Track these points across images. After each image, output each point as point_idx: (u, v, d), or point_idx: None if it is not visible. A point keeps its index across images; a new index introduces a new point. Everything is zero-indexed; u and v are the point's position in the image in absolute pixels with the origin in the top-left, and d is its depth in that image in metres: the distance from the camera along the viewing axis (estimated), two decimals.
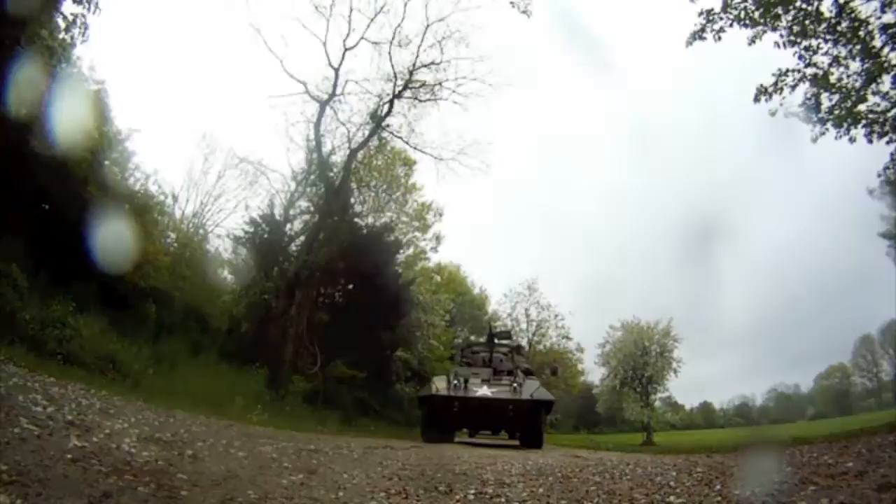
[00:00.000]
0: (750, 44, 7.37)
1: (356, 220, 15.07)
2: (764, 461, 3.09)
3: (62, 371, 4.88)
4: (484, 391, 8.54)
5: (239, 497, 1.82)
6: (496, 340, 11.71)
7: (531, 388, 8.61)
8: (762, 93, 7.54)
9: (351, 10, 12.80)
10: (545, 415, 9.18)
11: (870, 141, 7.46)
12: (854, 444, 3.21)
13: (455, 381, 8.64)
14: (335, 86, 13.19)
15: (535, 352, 25.95)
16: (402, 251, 17.88)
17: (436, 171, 13.87)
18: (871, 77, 7.06)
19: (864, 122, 7.38)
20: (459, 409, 8.42)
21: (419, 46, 13.05)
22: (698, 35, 7.40)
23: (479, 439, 11.71)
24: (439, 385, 8.68)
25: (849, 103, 7.31)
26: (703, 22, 7.31)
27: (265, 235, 13.44)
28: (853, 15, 6.80)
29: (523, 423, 8.81)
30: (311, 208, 14.56)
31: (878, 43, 6.81)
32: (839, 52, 7.14)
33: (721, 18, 7.26)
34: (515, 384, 8.63)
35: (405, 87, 13.40)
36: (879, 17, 6.68)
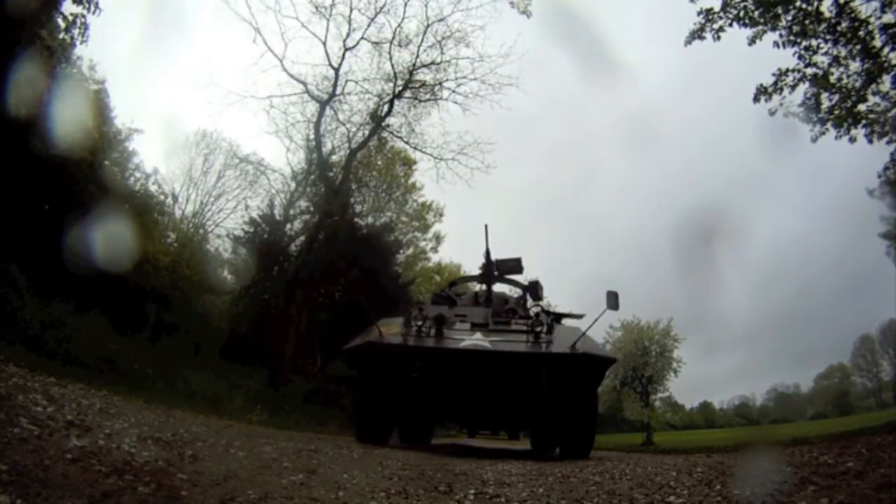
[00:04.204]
0: (750, 44, 7.39)
1: (356, 220, 15.09)
2: (764, 461, 3.09)
3: (62, 371, 4.87)
4: (476, 340, 4.62)
5: (239, 497, 1.82)
6: (496, 273, 7.13)
7: (569, 337, 4.64)
8: (762, 93, 7.56)
9: (351, 10, 12.80)
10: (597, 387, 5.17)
11: (870, 141, 7.48)
12: (854, 444, 3.21)
13: (419, 323, 4.71)
14: (335, 86, 13.18)
15: None
16: (402, 251, 17.91)
17: (436, 171, 13.84)
18: (871, 77, 7.07)
19: (864, 122, 7.39)
20: (425, 375, 4.52)
21: (419, 46, 13.04)
22: (697, 34, 7.41)
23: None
24: (387, 329, 4.73)
25: (849, 103, 7.32)
26: (703, 21, 7.32)
27: (265, 235, 13.46)
28: (853, 15, 6.81)
29: (557, 403, 4.56)
30: (311, 208, 14.57)
31: (878, 43, 6.82)
32: (839, 52, 7.16)
33: (721, 18, 7.28)
34: (538, 328, 4.67)
35: (405, 87, 13.39)
36: (879, 17, 6.70)
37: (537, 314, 5.35)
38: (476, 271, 7.32)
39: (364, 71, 13.64)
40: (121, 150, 13.17)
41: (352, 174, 14.55)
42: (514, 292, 7.90)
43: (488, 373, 4.63)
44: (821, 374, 38.66)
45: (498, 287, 7.23)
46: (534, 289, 7.14)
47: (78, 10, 7.16)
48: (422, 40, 12.96)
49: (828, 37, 7.07)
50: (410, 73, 13.25)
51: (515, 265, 7.27)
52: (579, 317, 6.02)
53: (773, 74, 7.47)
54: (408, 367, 4.60)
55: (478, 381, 4.66)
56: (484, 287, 7.03)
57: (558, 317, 5.89)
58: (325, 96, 13.25)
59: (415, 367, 4.59)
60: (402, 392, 4.74)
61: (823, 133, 7.52)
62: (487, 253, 6.98)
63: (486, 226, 6.84)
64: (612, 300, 4.74)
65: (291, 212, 14.86)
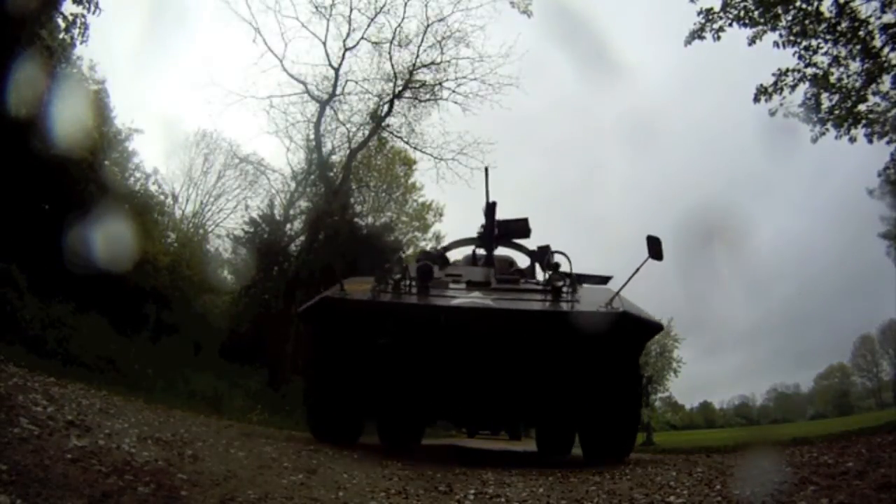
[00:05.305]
0: (750, 44, 7.41)
1: (356, 220, 15.10)
2: (764, 461, 3.09)
3: (62, 371, 4.88)
4: (473, 298, 3.55)
5: (239, 497, 1.82)
6: (497, 231, 5.42)
7: (599, 296, 3.58)
8: (762, 93, 7.57)
9: (351, 10, 12.85)
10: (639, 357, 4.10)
11: (870, 141, 7.50)
12: (854, 444, 3.21)
13: (397, 276, 3.56)
14: (335, 86, 13.23)
15: None
16: (402, 251, 17.90)
17: (436, 171, 13.87)
18: (871, 77, 7.08)
19: (864, 122, 7.40)
20: (401, 343, 3.37)
21: (419, 46, 13.09)
22: (697, 34, 7.42)
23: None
24: (355, 287, 3.62)
25: (849, 103, 7.33)
26: (703, 21, 7.34)
27: (265, 235, 13.46)
28: (853, 15, 6.82)
29: (589, 383, 3.45)
30: (312, 208, 14.59)
31: (878, 43, 6.83)
32: (839, 52, 7.17)
33: (721, 18, 7.29)
34: (559, 282, 3.64)
35: (405, 87, 13.42)
36: (879, 17, 6.71)
37: (556, 266, 3.89)
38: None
39: (364, 71, 13.70)
40: (121, 150, 13.17)
41: (352, 174, 14.58)
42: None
43: (490, 341, 3.28)
44: (821, 374, 38.75)
45: (500, 252, 5.78)
46: (543, 255, 5.11)
47: (78, 10, 7.20)
48: (422, 40, 13.00)
49: (828, 37, 7.08)
50: (410, 73, 13.27)
51: (522, 227, 5.71)
52: (605, 279, 4.49)
53: (773, 74, 7.50)
54: (371, 330, 3.37)
55: (474, 352, 3.31)
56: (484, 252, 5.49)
57: (579, 278, 4.18)
58: (325, 96, 13.28)
59: (384, 328, 3.34)
60: (369, 368, 3.43)
61: (824, 133, 7.54)
62: (489, 207, 5.26)
63: (486, 169, 5.40)
64: (655, 247, 3.50)
65: (291, 212, 14.88)
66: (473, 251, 5.72)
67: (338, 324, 3.58)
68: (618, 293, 3.50)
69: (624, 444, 3.71)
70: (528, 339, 3.32)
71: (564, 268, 3.86)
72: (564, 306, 3.48)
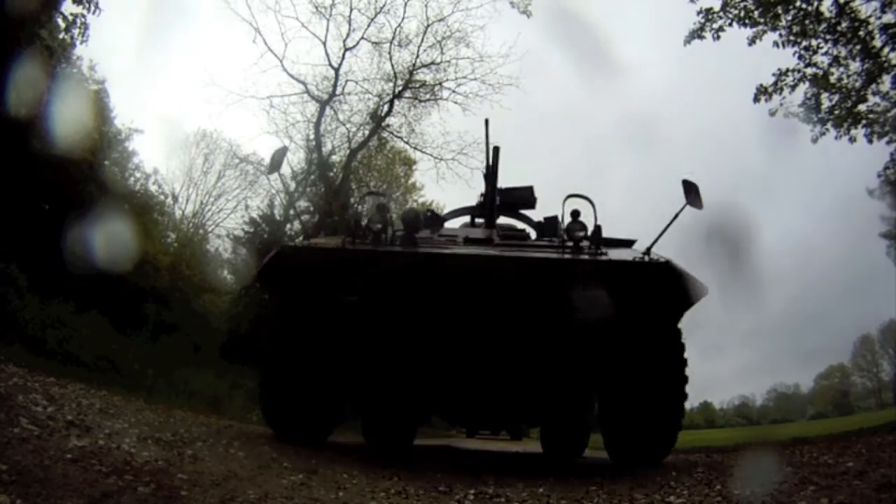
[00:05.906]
0: (750, 44, 7.41)
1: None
2: (764, 461, 3.09)
3: (62, 371, 4.87)
4: (471, 250, 2.88)
5: (239, 497, 1.82)
6: (499, 200, 4.51)
7: (629, 253, 2.80)
8: (762, 93, 7.58)
9: (351, 10, 12.86)
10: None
11: (870, 141, 7.50)
12: (854, 444, 3.21)
13: (378, 225, 2.76)
14: (335, 86, 13.25)
15: None
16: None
17: (436, 171, 13.89)
18: (871, 77, 7.08)
19: (864, 122, 7.41)
20: (373, 299, 2.65)
21: (419, 46, 13.10)
22: (697, 34, 7.42)
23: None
24: (326, 241, 3.07)
25: (849, 103, 7.34)
26: (703, 21, 7.34)
27: (265, 235, 13.46)
28: (853, 15, 6.83)
29: (620, 355, 2.80)
30: (311, 208, 14.60)
31: (878, 43, 6.84)
32: (839, 52, 7.18)
33: (721, 17, 7.29)
34: (579, 232, 2.85)
35: (405, 87, 13.43)
36: (879, 18, 6.72)
37: (576, 213, 2.93)
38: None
39: (364, 71, 13.72)
40: (121, 150, 13.17)
41: (352, 174, 14.58)
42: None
43: (494, 300, 2.60)
44: (821, 374, 38.68)
45: (502, 222, 4.82)
46: (552, 226, 4.08)
47: (78, 10, 7.20)
48: (422, 40, 13.01)
49: (828, 37, 7.09)
50: (410, 73, 13.28)
51: (526, 196, 4.79)
52: (629, 242, 3.50)
53: (773, 74, 7.50)
54: (340, 283, 2.65)
55: (473, 317, 2.64)
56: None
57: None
58: (325, 96, 13.30)
59: (353, 282, 2.61)
60: (338, 340, 2.79)
61: (824, 133, 7.55)
62: (489, 168, 4.40)
63: (486, 121, 4.57)
64: (693, 194, 2.81)
65: (291, 212, 14.91)
66: (472, 218, 4.85)
67: (300, 281, 2.75)
68: (650, 247, 2.76)
69: (664, 442, 2.99)
70: (542, 297, 2.59)
71: (586, 218, 2.94)
72: (588, 257, 2.75)
